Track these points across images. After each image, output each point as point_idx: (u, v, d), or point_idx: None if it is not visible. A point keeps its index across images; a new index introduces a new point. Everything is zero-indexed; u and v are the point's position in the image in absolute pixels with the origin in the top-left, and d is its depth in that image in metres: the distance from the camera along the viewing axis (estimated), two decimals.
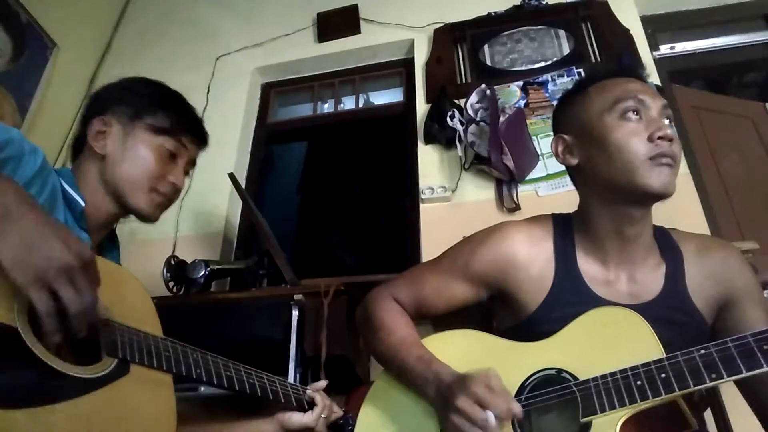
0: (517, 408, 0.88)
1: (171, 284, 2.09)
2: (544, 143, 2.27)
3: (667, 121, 1.04)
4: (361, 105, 3.01)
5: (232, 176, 2.31)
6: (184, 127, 1.20)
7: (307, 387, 1.17)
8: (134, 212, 1.16)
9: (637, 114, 1.03)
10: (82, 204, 1.07)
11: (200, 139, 1.27)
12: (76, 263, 0.71)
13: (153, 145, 1.15)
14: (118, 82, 1.23)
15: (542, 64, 2.53)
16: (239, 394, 1.01)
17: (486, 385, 0.89)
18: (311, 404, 1.15)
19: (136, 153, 1.13)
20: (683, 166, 2.12)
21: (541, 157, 2.26)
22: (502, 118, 2.12)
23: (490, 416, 0.85)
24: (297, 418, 1.13)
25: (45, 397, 0.70)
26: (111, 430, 0.78)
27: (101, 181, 1.12)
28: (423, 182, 2.35)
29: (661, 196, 1.01)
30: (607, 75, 1.12)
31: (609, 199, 1.06)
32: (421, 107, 2.57)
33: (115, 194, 1.12)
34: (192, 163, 1.26)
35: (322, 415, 1.15)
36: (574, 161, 1.12)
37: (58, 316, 0.70)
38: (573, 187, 1.19)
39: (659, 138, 1.00)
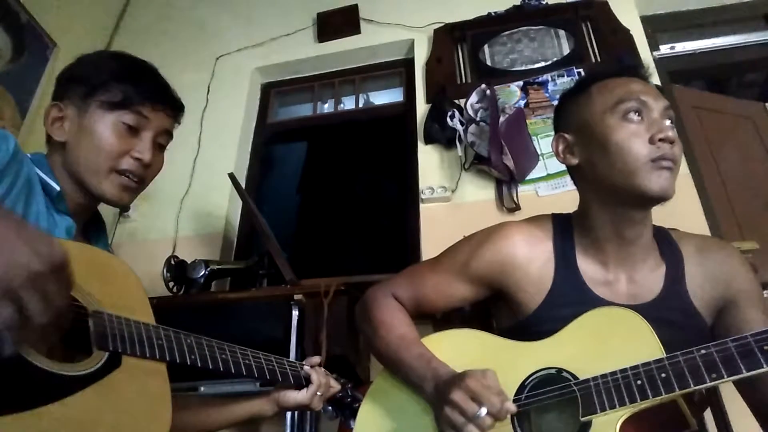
0: (512, 406, 0.88)
1: (171, 284, 2.10)
2: (544, 143, 2.27)
3: (668, 122, 1.04)
4: (361, 105, 3.01)
5: (232, 176, 2.31)
6: (143, 96, 1.08)
7: (304, 362, 1.17)
8: (100, 198, 1.07)
9: (638, 115, 1.03)
10: (57, 188, 1.01)
11: (165, 106, 1.13)
12: (45, 269, 0.61)
13: (108, 123, 1.05)
14: (75, 61, 1.13)
15: (542, 64, 2.54)
16: (236, 376, 1.00)
17: (481, 382, 0.89)
18: (309, 380, 1.15)
19: (91, 134, 1.04)
20: (683, 166, 2.12)
21: (541, 157, 2.26)
22: (502, 118, 2.13)
23: (483, 411, 0.86)
24: (292, 396, 1.14)
25: (33, 399, 0.67)
26: (104, 428, 0.75)
27: (65, 168, 1.05)
28: (423, 182, 2.36)
29: (660, 199, 1.00)
30: (610, 74, 1.11)
31: (609, 201, 1.06)
32: (421, 107, 2.57)
33: (78, 181, 1.05)
34: (165, 135, 1.14)
35: (318, 393, 1.15)
36: (574, 161, 1.11)
37: (24, 328, 0.61)
38: (573, 187, 1.18)
39: (660, 140, 0.99)
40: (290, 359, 1.15)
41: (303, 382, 1.14)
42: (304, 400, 1.14)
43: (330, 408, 1.24)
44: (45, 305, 0.62)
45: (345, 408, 1.25)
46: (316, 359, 1.20)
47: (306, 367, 1.16)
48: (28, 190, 0.95)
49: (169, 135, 1.15)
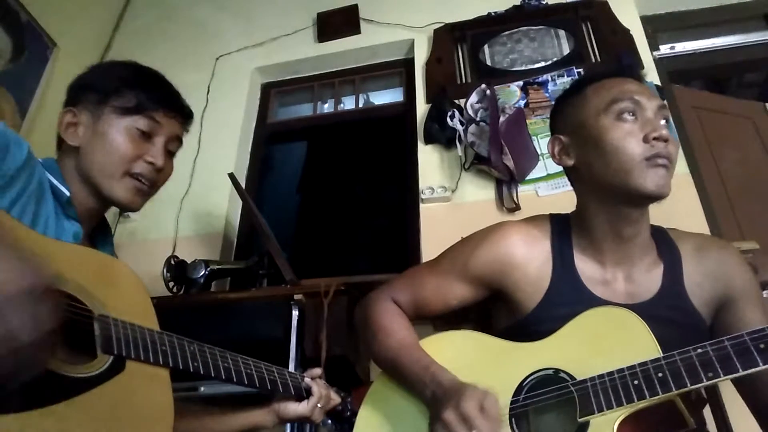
0: None
1: (171, 284, 2.10)
2: (544, 143, 2.27)
3: (663, 122, 1.04)
4: (361, 105, 3.02)
5: (232, 176, 2.31)
6: (156, 102, 1.11)
7: (305, 374, 1.18)
8: (112, 202, 1.09)
9: (632, 115, 1.03)
10: (67, 193, 1.03)
11: (177, 113, 1.16)
12: (31, 286, 0.60)
13: (122, 127, 1.07)
14: (88, 69, 1.17)
15: (542, 64, 2.54)
16: (237, 384, 1.01)
17: (479, 405, 0.88)
18: (309, 392, 1.15)
19: (105, 138, 1.06)
20: (683, 166, 2.12)
21: (541, 157, 2.26)
22: (502, 118, 2.13)
23: None
24: (293, 407, 1.14)
25: (37, 399, 0.68)
26: (108, 430, 0.76)
27: (78, 173, 1.07)
28: (423, 182, 2.36)
29: (656, 197, 1.01)
30: (603, 76, 1.12)
31: (605, 200, 1.06)
32: (421, 107, 2.57)
33: (91, 185, 1.07)
34: (176, 141, 1.17)
35: (318, 405, 1.15)
36: (570, 162, 1.12)
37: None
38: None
39: (654, 139, 0.99)
40: (291, 370, 1.15)
41: (303, 394, 1.14)
42: (305, 412, 1.14)
43: (329, 421, 1.24)
44: (32, 322, 0.59)
45: (344, 422, 1.24)
46: (317, 371, 1.21)
47: (307, 379, 1.16)
48: (38, 195, 0.97)
49: (179, 141, 1.18)
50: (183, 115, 1.18)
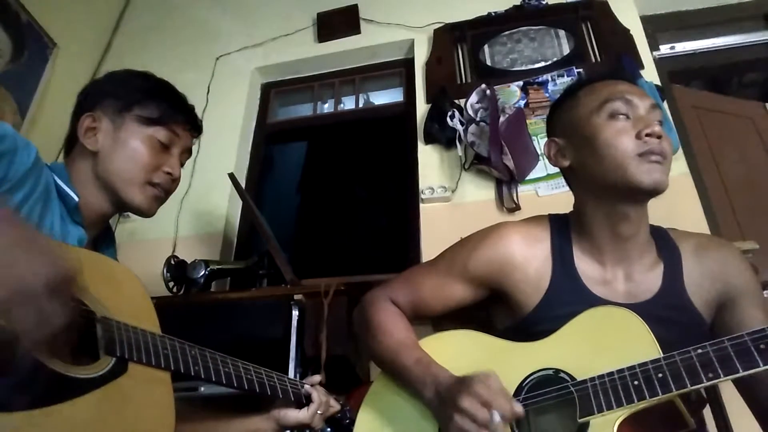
0: (519, 408, 0.88)
1: (171, 284, 2.09)
2: (544, 143, 2.27)
3: (656, 120, 1.05)
4: (361, 105, 3.01)
5: (232, 176, 2.31)
6: (176, 115, 1.16)
7: (304, 381, 1.18)
8: (129, 208, 1.13)
9: (625, 113, 1.04)
10: (76, 199, 1.04)
11: (193, 126, 1.22)
12: (42, 288, 0.61)
13: (144, 137, 1.11)
14: (105, 77, 1.22)
15: (542, 64, 2.54)
16: (238, 390, 1.01)
17: (488, 386, 0.89)
18: (309, 399, 1.15)
19: (127, 146, 1.10)
20: (683, 166, 2.12)
21: (541, 157, 2.26)
22: (502, 118, 2.13)
23: (496, 416, 0.85)
24: (293, 414, 1.13)
25: (42, 399, 0.69)
26: (111, 430, 0.77)
27: (94, 177, 1.09)
28: (423, 182, 2.36)
29: (652, 192, 1.01)
30: (596, 79, 1.14)
31: (602, 198, 1.07)
32: (421, 107, 2.57)
33: (109, 190, 1.09)
34: (187, 153, 1.23)
35: (318, 412, 1.15)
36: (566, 163, 1.13)
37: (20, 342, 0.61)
38: None
39: (647, 135, 1.00)
40: (291, 376, 1.15)
41: (303, 401, 1.14)
42: (305, 419, 1.13)
43: (328, 429, 1.24)
44: (39, 323, 0.61)
45: (343, 429, 1.23)
46: (317, 378, 1.21)
47: (307, 386, 1.16)
48: (44, 200, 0.98)
49: (189, 153, 1.24)
50: (197, 129, 1.24)
